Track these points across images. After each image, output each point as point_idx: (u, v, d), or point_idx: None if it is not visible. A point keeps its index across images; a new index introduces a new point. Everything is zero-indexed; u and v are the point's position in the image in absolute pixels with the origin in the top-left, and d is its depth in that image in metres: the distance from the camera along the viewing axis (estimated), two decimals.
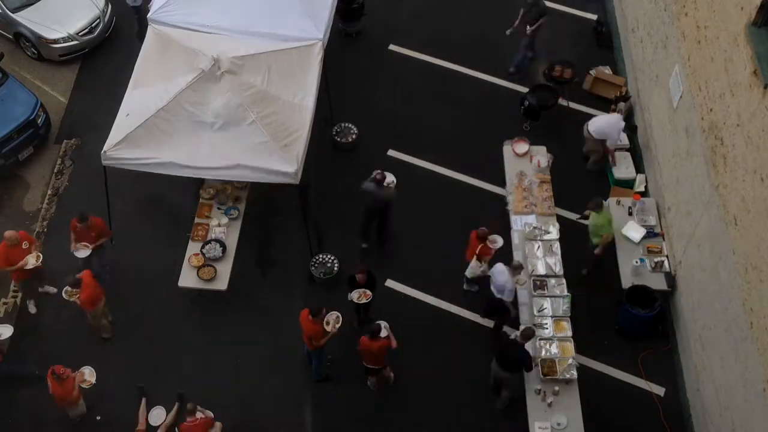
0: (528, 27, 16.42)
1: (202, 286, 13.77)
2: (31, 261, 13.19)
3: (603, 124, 15.00)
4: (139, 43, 14.93)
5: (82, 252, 13.61)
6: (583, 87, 16.76)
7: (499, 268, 13.08)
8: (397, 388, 13.41)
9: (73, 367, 12.48)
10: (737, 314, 11.19)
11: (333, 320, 12.71)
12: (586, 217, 13.97)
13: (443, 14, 17.96)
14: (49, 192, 15.82)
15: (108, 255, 14.50)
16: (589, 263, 14.14)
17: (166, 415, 12.87)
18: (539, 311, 13.22)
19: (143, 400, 13.05)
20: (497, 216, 14.49)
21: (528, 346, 12.56)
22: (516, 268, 13.00)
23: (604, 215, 13.63)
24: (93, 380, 12.57)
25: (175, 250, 14.28)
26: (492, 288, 13.31)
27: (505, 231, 14.27)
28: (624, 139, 15.25)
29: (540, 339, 12.91)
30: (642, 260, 13.72)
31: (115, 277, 14.27)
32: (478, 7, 18.40)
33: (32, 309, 14.05)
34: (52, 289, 13.97)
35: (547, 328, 13.08)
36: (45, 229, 15.03)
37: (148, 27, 14.90)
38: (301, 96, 14.09)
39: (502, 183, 15.19)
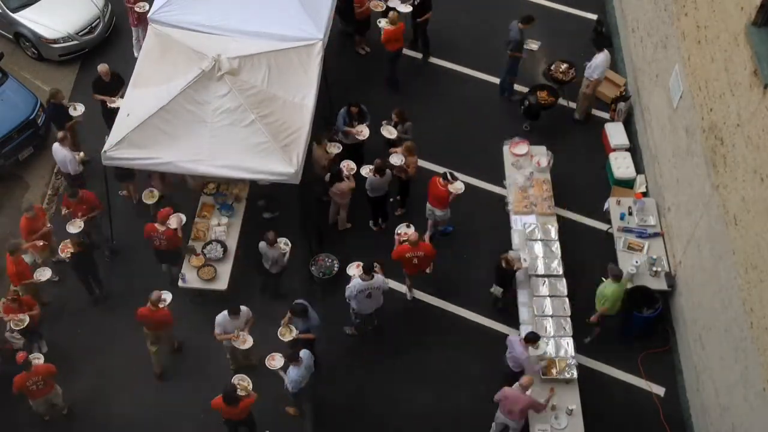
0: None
1: (202, 286, 13.78)
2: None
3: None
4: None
5: (74, 227, 13.85)
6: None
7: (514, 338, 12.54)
8: (395, 388, 13.43)
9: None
10: (737, 314, 11.19)
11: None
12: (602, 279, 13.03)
13: (443, 14, 17.92)
14: (49, 192, 15.83)
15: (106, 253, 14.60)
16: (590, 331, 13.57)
17: None
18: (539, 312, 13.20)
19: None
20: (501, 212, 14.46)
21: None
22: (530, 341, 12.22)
23: (617, 289, 12.69)
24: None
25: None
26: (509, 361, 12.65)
27: (506, 231, 14.32)
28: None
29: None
30: (637, 261, 13.65)
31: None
32: (478, 7, 18.38)
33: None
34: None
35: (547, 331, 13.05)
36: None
37: (149, 27, 14.89)
38: (301, 96, 14.08)
39: (502, 183, 15.20)
